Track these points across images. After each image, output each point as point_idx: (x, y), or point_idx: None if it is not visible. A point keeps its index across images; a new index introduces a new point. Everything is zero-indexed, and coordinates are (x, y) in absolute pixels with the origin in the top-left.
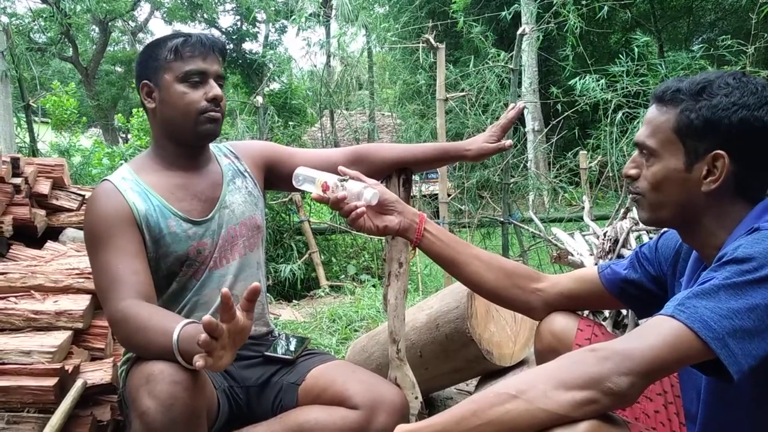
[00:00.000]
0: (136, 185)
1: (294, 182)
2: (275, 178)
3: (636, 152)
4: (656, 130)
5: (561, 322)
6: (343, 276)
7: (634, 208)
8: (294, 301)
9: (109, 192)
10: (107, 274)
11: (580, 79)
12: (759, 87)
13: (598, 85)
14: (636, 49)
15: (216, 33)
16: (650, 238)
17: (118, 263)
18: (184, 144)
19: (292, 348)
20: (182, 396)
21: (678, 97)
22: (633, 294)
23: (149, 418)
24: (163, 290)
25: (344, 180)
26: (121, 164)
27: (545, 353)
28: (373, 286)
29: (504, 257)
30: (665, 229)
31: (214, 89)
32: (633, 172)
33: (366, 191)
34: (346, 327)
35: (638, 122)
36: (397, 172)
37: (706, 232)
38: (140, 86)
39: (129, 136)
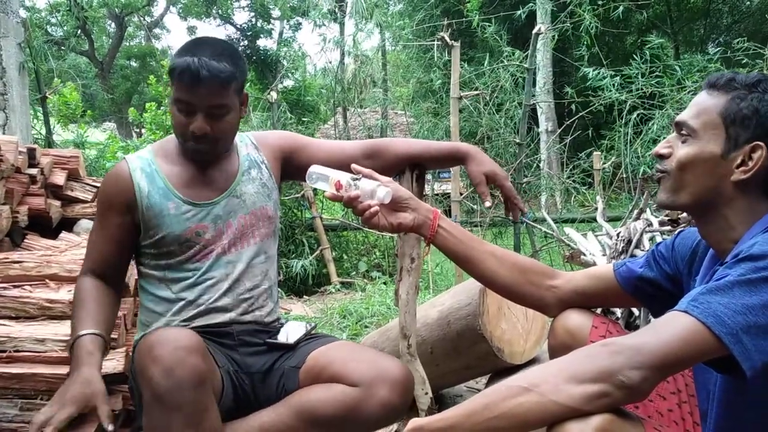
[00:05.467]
0: (148, 166)
1: (307, 180)
2: (292, 168)
3: (673, 134)
4: (701, 112)
5: (576, 319)
6: (354, 273)
7: (648, 209)
8: (305, 296)
9: (118, 173)
10: (89, 243)
11: (594, 71)
12: None
13: (612, 82)
14: (651, 51)
15: (230, 29)
16: (663, 239)
17: (96, 239)
18: None
19: (294, 334)
20: (185, 359)
21: (732, 85)
22: (648, 292)
23: (154, 384)
24: (167, 268)
25: (357, 179)
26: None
27: (559, 350)
28: (384, 283)
29: (518, 254)
30: (681, 228)
31: (196, 123)
32: (664, 150)
33: (379, 190)
34: (356, 323)
35: (653, 124)
36: (410, 168)
37: (725, 224)
38: None
39: (143, 130)
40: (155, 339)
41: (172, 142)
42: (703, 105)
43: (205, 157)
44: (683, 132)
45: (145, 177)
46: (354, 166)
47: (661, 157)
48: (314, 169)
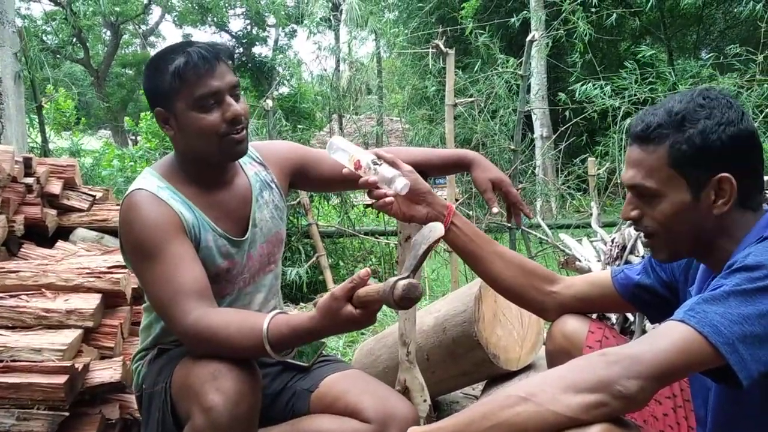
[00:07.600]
0: (175, 194)
1: (327, 150)
2: (300, 182)
3: (629, 194)
4: (651, 170)
5: (573, 324)
6: None
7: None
8: (301, 303)
9: (151, 200)
10: (168, 286)
11: (582, 86)
12: (729, 99)
13: (603, 92)
14: (643, 59)
15: (226, 37)
16: None
17: (177, 273)
18: (212, 164)
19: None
20: (248, 393)
21: (662, 133)
22: (645, 299)
23: (216, 414)
24: None
25: (378, 163)
26: (128, 171)
27: (556, 354)
28: None
29: (523, 256)
30: None
31: (232, 107)
32: (634, 214)
33: (398, 180)
34: None
35: None
36: None
37: (720, 250)
38: (155, 112)
39: (138, 138)
40: (218, 368)
41: (171, 166)
42: (647, 163)
43: (245, 149)
44: (645, 195)
45: (182, 206)
46: (377, 150)
47: (633, 219)
48: (336, 140)
